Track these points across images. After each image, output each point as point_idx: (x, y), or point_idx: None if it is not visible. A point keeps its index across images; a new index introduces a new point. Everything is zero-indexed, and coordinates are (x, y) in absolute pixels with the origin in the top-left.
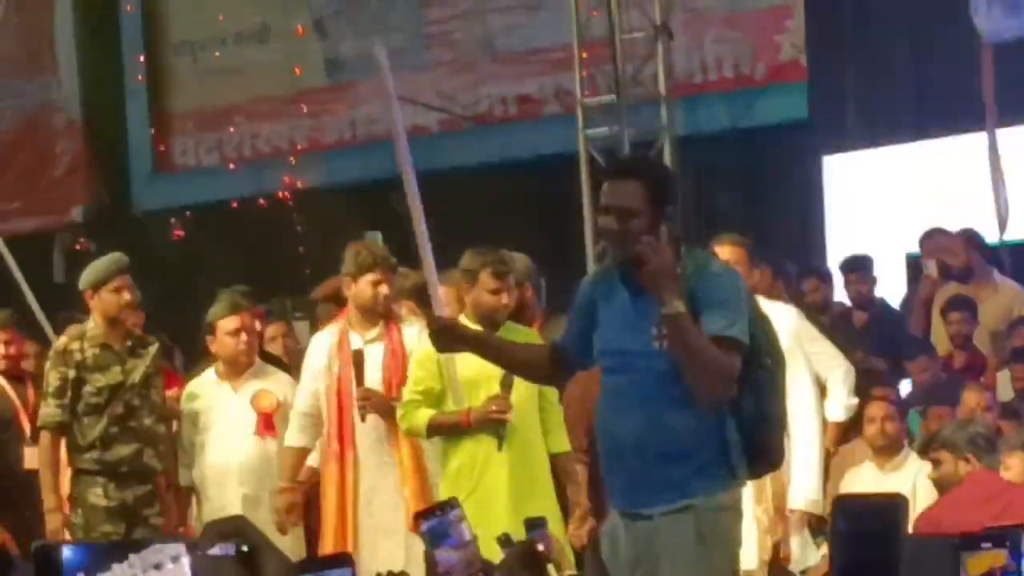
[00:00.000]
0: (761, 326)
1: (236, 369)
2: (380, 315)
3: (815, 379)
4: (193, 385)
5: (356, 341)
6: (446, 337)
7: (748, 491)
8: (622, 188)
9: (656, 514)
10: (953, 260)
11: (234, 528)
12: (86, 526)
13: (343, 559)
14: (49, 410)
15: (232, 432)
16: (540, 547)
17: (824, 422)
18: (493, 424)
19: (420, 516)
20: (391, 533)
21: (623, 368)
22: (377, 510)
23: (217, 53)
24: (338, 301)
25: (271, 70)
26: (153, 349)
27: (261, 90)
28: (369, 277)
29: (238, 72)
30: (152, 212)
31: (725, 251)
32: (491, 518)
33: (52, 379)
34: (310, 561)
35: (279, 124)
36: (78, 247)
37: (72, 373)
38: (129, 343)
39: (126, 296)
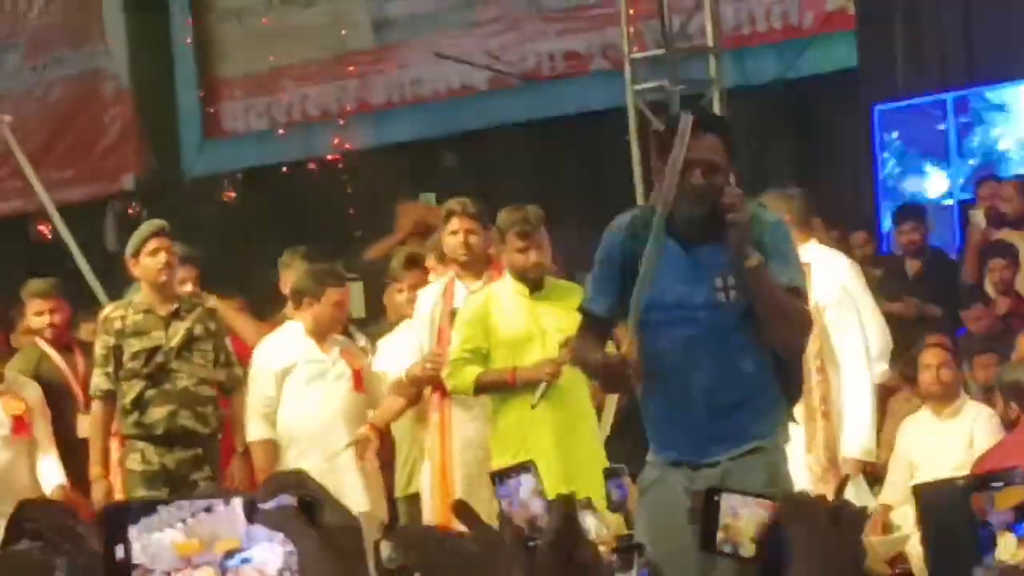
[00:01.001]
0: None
1: (326, 332)
2: (479, 265)
3: (863, 329)
4: (274, 340)
5: (460, 292)
6: (618, 380)
7: (799, 439)
8: (707, 143)
9: (723, 459)
10: (1006, 207)
11: (295, 480)
12: (124, 491)
13: (527, 465)
14: (97, 379)
15: (331, 387)
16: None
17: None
18: (537, 383)
19: (495, 475)
20: (481, 486)
21: (681, 322)
22: (471, 461)
23: (264, 17)
24: (407, 264)
25: (318, 32)
26: (198, 311)
27: (308, 53)
28: (448, 227)
29: (285, 35)
30: (202, 178)
31: (778, 204)
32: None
33: (98, 348)
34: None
35: (327, 86)
36: (130, 213)
37: (112, 341)
38: (175, 307)
39: (163, 257)
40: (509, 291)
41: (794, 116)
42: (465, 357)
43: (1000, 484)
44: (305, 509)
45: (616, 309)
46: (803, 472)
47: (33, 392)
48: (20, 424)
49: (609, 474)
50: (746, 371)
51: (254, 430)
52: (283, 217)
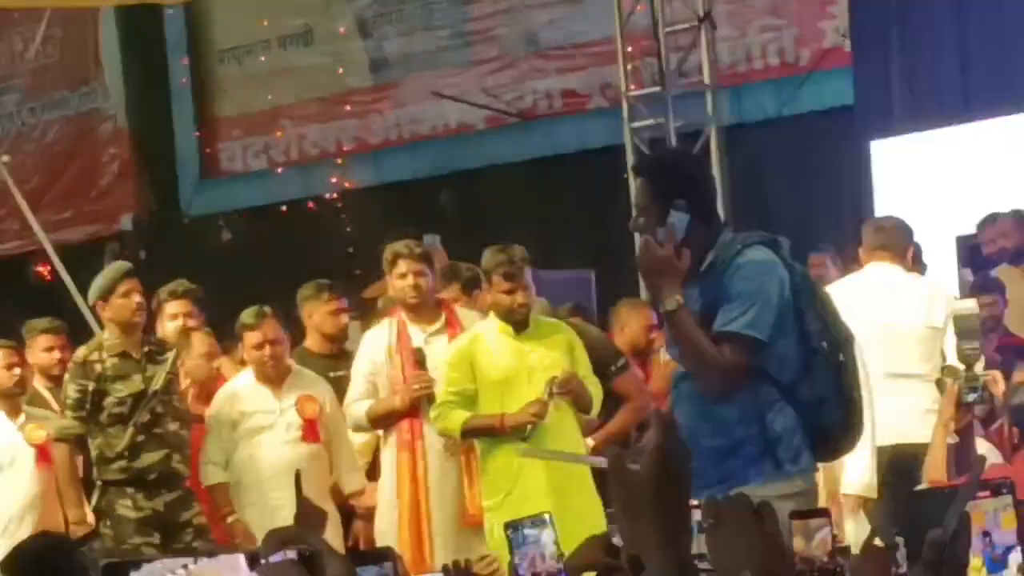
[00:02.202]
0: (817, 310)
1: (274, 375)
2: (432, 308)
3: (864, 366)
4: (231, 387)
5: (417, 335)
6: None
7: None
8: (637, 186)
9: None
10: (1006, 242)
11: (296, 535)
12: (116, 538)
13: (386, 554)
14: (67, 423)
15: (279, 439)
16: None
17: None
18: (525, 431)
19: (509, 526)
20: (450, 522)
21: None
22: (448, 499)
23: (261, 57)
24: (386, 303)
25: (315, 72)
26: (171, 355)
27: (306, 92)
28: (396, 271)
29: (282, 75)
30: (201, 218)
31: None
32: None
33: (71, 391)
34: (360, 554)
35: (325, 126)
36: (126, 254)
37: (92, 385)
38: (147, 349)
39: (136, 299)
40: (494, 331)
41: (792, 153)
42: (452, 400)
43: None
44: (306, 562)
45: None
46: None
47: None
48: (44, 454)
49: None
50: (723, 415)
51: (207, 474)
52: (282, 256)
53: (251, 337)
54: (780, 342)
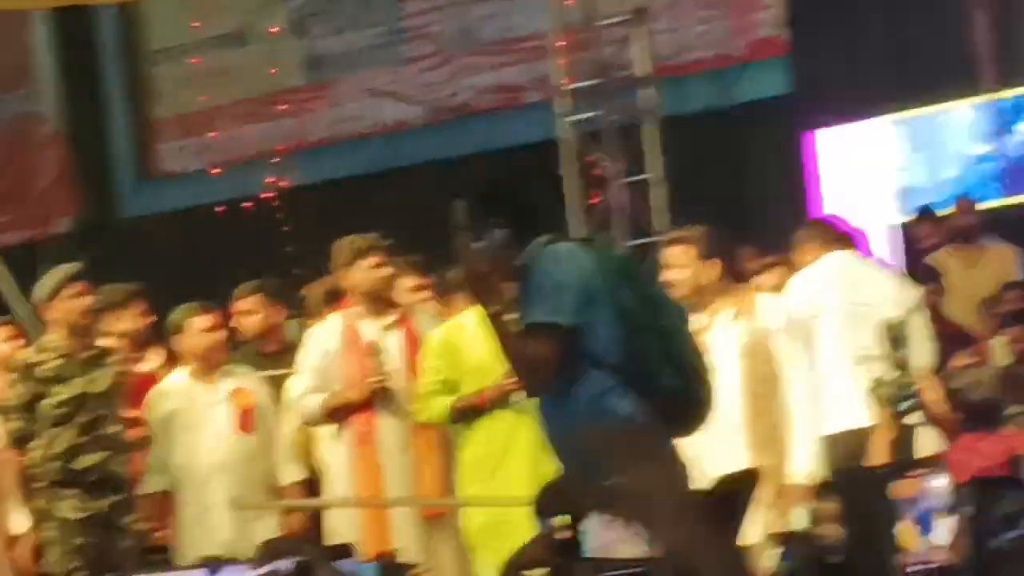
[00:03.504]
0: (630, 282)
1: (209, 366)
2: (386, 302)
3: (810, 357)
4: (163, 386)
5: (371, 329)
6: (559, 501)
7: (747, 464)
8: (453, 209)
9: None
10: (937, 239)
11: (291, 546)
12: (61, 540)
13: (348, 549)
14: (11, 425)
15: (213, 431)
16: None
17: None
18: (508, 400)
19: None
20: (409, 516)
21: None
22: (407, 493)
23: (196, 58)
24: (327, 299)
25: (250, 72)
26: (116, 358)
27: (241, 93)
28: (368, 262)
29: (217, 76)
30: (138, 220)
31: (674, 251)
32: (518, 493)
33: (12, 394)
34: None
35: (261, 125)
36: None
37: (33, 388)
38: (91, 352)
39: (85, 300)
40: (476, 320)
41: (729, 143)
42: (434, 389)
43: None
44: (301, 573)
45: None
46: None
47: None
48: None
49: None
50: (564, 415)
51: (147, 482)
52: (219, 257)
53: (201, 321)
54: (598, 324)
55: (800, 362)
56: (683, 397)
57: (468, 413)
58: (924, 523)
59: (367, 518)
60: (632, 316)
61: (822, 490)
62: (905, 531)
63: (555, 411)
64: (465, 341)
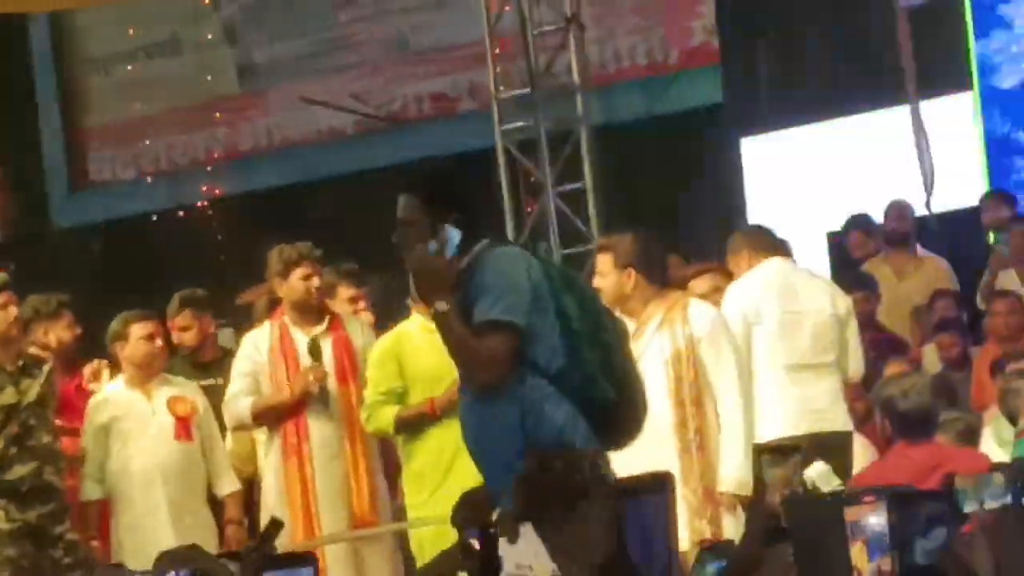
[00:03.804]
0: (574, 293)
1: (147, 374)
2: (318, 310)
3: (740, 363)
4: (100, 395)
5: (301, 338)
6: (477, 512)
7: (675, 471)
8: (402, 202)
9: None
10: (869, 248)
11: (187, 555)
12: None
13: (308, 558)
14: None
15: (151, 438)
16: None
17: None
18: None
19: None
20: (339, 525)
21: (460, 377)
22: (338, 502)
23: (128, 66)
24: (270, 307)
25: (183, 81)
26: (47, 368)
27: (174, 101)
28: (299, 272)
29: (151, 85)
30: (71, 229)
31: (599, 259)
32: None
33: None
34: (274, 558)
35: (194, 134)
36: None
37: None
38: (21, 363)
39: (13, 311)
40: (418, 329)
41: (662, 151)
42: (380, 399)
43: (872, 499)
44: None
45: None
46: (680, 504)
47: None
48: None
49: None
50: (500, 418)
51: (85, 490)
52: (153, 266)
53: (142, 328)
54: (542, 330)
55: (730, 369)
56: (619, 410)
57: (417, 422)
58: (872, 545)
59: (299, 528)
60: (574, 326)
61: (777, 454)
62: (857, 553)
63: (488, 411)
64: (410, 350)
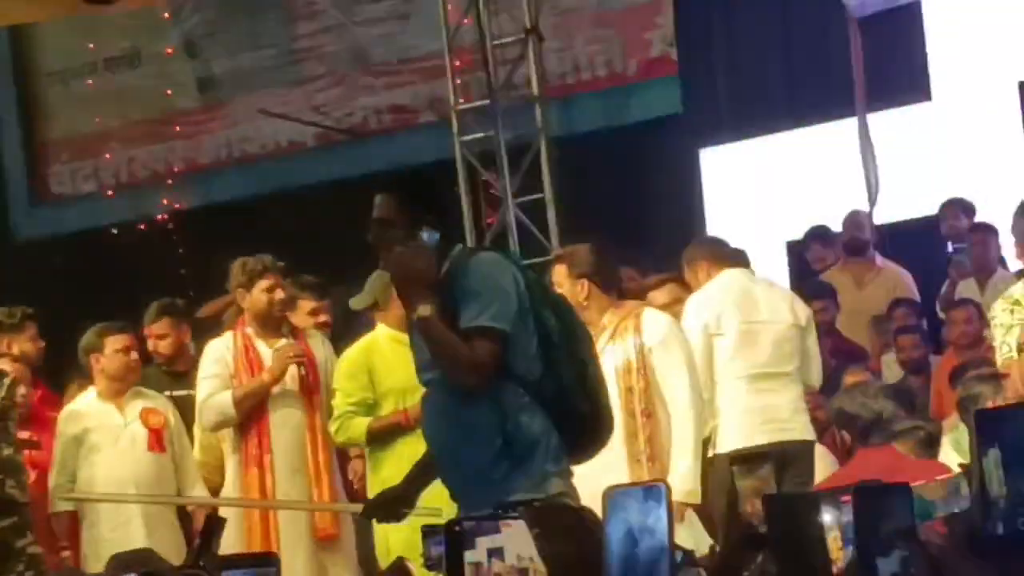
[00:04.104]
0: (552, 306)
1: (122, 387)
2: (279, 322)
3: (692, 373)
4: (73, 406)
5: (264, 350)
6: (391, 508)
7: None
8: (380, 201)
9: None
10: (829, 261)
11: (140, 558)
12: None
13: (271, 559)
14: None
15: (124, 450)
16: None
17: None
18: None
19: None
20: (300, 538)
21: (429, 380)
22: (292, 515)
23: (88, 79)
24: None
25: (143, 93)
26: (7, 381)
27: (135, 114)
28: (262, 284)
29: (110, 97)
30: (31, 242)
31: (554, 269)
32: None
33: None
34: (237, 557)
35: (154, 147)
36: None
37: None
38: None
39: None
40: (386, 340)
41: (621, 162)
42: (351, 411)
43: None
44: None
45: None
46: None
47: None
48: None
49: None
50: (477, 423)
51: (55, 501)
52: (114, 279)
53: (118, 341)
54: (522, 339)
55: (681, 379)
56: (591, 424)
57: (389, 432)
58: (847, 536)
59: (257, 539)
60: (553, 337)
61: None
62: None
63: (466, 415)
64: (379, 361)
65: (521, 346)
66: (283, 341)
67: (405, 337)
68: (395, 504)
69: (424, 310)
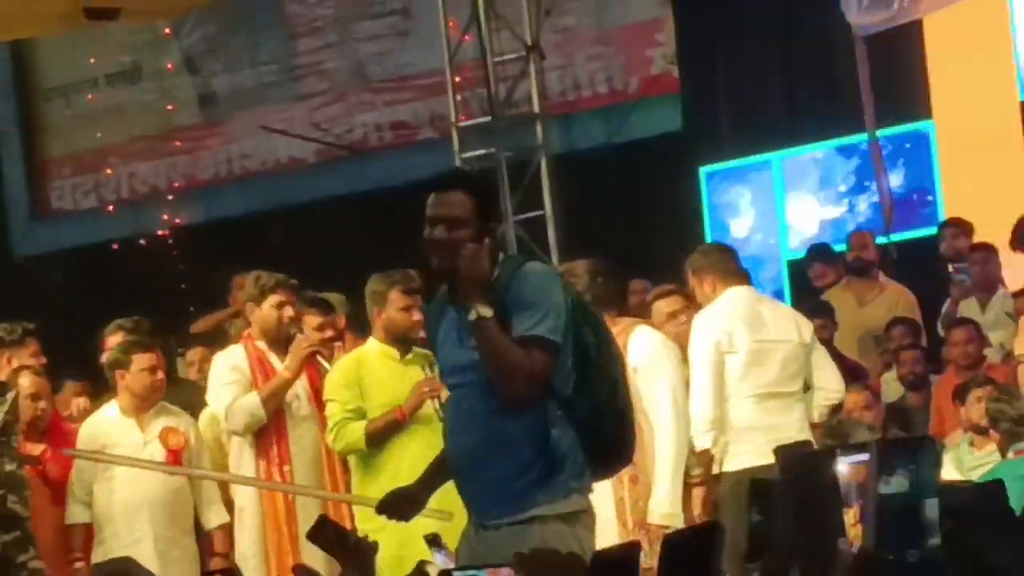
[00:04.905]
0: (591, 324)
1: (145, 405)
2: (287, 340)
3: (677, 395)
4: (94, 420)
5: (278, 364)
6: (407, 508)
7: (608, 503)
8: (450, 198)
9: (502, 524)
10: (830, 278)
11: (121, 568)
12: None
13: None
14: None
15: (141, 471)
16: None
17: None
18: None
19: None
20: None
21: (460, 383)
22: (310, 518)
23: (90, 95)
24: (226, 335)
25: (144, 109)
26: (11, 396)
27: (135, 130)
28: (272, 299)
29: (111, 113)
30: (32, 258)
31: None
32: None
33: None
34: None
35: (155, 163)
36: None
37: None
38: None
39: None
40: (377, 354)
41: (622, 180)
42: (348, 417)
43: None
44: None
45: None
46: (613, 536)
47: None
48: None
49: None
50: (508, 430)
51: (71, 512)
52: (114, 295)
53: (144, 360)
54: (562, 354)
55: (665, 401)
56: (615, 447)
57: (385, 431)
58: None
59: (277, 547)
60: (589, 353)
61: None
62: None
63: (508, 424)
64: (368, 375)
65: (560, 361)
66: (301, 335)
67: (395, 352)
68: (406, 503)
69: (485, 311)
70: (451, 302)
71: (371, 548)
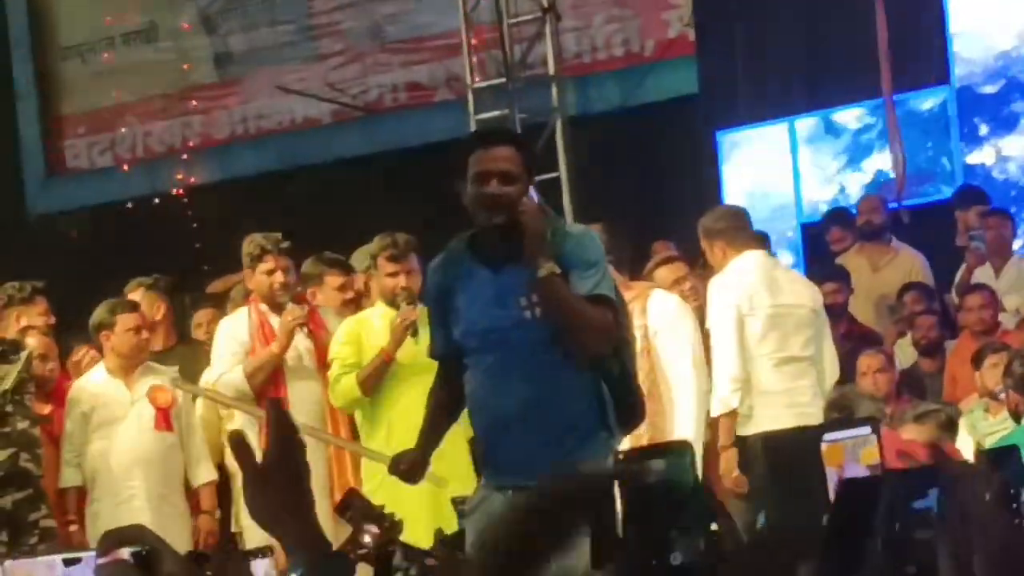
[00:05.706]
0: (617, 292)
1: (131, 365)
2: (284, 305)
3: (696, 351)
4: (83, 381)
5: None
6: (415, 471)
7: None
8: (501, 153)
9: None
10: (845, 243)
11: (132, 534)
12: None
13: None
14: None
15: (131, 428)
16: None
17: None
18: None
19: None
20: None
21: (493, 346)
22: (317, 487)
23: (105, 54)
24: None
25: (160, 68)
26: (24, 355)
27: (151, 89)
28: (262, 267)
29: (127, 72)
30: (47, 215)
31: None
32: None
33: None
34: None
35: (170, 122)
36: None
37: None
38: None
39: None
40: (379, 317)
41: (637, 143)
42: (345, 371)
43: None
44: (142, 562)
45: (450, 345)
46: None
47: None
48: None
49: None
50: (563, 388)
51: (64, 476)
52: (129, 253)
53: (129, 320)
54: None
55: (684, 363)
56: (640, 405)
57: (376, 374)
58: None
59: None
60: (622, 323)
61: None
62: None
63: (576, 378)
64: (368, 335)
65: None
66: (290, 306)
67: (395, 314)
68: (415, 466)
69: (552, 267)
70: (481, 260)
71: (397, 524)
